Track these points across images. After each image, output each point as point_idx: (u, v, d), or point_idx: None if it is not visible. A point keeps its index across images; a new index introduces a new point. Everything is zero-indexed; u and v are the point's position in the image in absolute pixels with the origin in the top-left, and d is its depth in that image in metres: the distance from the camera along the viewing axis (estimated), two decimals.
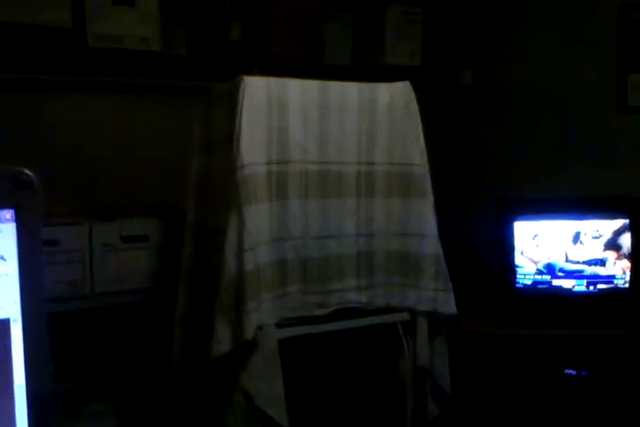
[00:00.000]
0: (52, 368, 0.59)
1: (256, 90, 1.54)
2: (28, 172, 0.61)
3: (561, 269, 1.94)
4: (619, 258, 1.92)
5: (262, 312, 1.50)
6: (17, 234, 0.59)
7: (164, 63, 2.05)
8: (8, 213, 0.59)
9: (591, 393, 1.80)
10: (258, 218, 1.52)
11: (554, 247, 1.94)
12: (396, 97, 1.73)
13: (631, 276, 1.91)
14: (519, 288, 1.96)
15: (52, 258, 1.64)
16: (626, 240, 1.91)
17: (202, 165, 1.74)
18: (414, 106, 1.76)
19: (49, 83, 1.93)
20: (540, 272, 1.95)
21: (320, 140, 1.64)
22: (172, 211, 1.90)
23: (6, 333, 0.58)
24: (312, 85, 1.63)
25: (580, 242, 1.93)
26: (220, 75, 1.93)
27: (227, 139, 1.55)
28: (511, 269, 1.95)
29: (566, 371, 1.84)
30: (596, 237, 1.93)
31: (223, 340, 1.45)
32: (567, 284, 1.94)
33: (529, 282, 1.96)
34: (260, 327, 1.49)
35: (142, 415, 1.80)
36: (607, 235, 1.92)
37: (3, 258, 0.59)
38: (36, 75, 1.88)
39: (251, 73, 1.62)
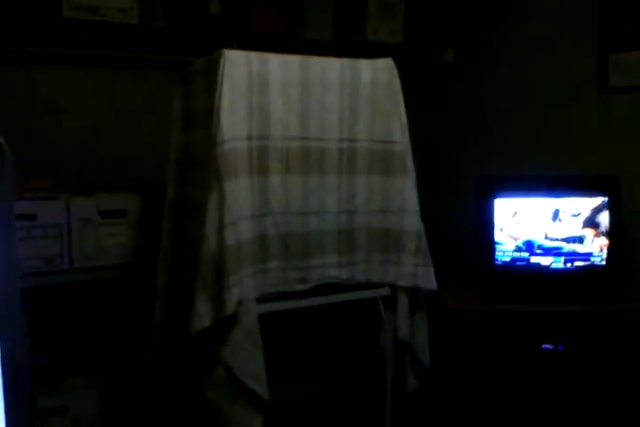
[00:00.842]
0: (25, 329, 0.58)
1: (236, 64, 1.52)
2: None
3: (540, 247, 1.97)
4: (597, 236, 1.95)
5: (243, 287, 1.50)
6: None
7: (142, 36, 2.01)
8: None
9: (567, 368, 1.84)
10: (238, 193, 1.51)
11: (533, 225, 1.96)
12: (378, 74, 1.72)
13: (608, 253, 1.94)
14: (498, 265, 1.98)
15: (29, 233, 1.62)
16: (604, 218, 1.94)
17: (181, 139, 1.72)
18: (397, 83, 1.75)
19: (23, 54, 1.89)
20: (518, 249, 1.97)
21: (301, 116, 1.63)
22: (152, 186, 1.88)
23: None
24: (293, 60, 1.61)
25: (559, 219, 1.96)
26: (199, 49, 1.90)
27: (207, 113, 1.53)
28: (491, 245, 1.97)
29: (543, 346, 1.87)
30: (575, 215, 1.95)
31: (204, 315, 1.45)
32: (545, 261, 1.97)
33: (508, 259, 1.98)
34: (240, 302, 1.49)
35: (123, 390, 1.80)
36: (586, 213, 1.95)
37: None
38: (9, 46, 1.83)
39: (230, 47, 1.59)
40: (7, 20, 1.79)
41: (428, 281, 1.75)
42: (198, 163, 1.60)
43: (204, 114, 1.56)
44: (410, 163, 1.77)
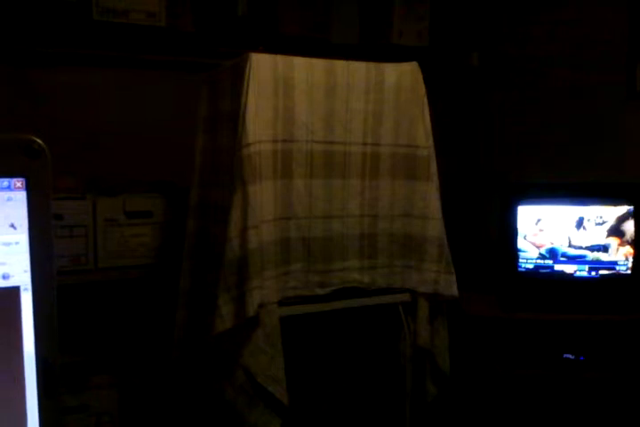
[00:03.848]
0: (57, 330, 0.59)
1: (263, 67, 1.53)
2: (39, 141, 0.60)
3: (563, 254, 1.95)
4: (621, 244, 1.92)
5: (265, 290, 1.51)
6: (27, 203, 0.59)
7: (169, 39, 2.03)
8: (19, 182, 0.59)
9: (589, 378, 1.82)
10: (262, 196, 1.52)
11: (557, 232, 1.94)
12: (403, 77, 1.72)
13: (633, 262, 1.92)
14: (521, 272, 1.96)
15: (56, 232, 1.64)
16: (629, 227, 1.91)
17: (207, 142, 1.73)
18: (421, 87, 1.74)
19: (54, 56, 1.91)
20: (542, 257, 1.96)
21: (326, 119, 1.63)
22: (176, 188, 1.89)
23: (17, 301, 0.58)
24: (319, 64, 1.62)
25: (584, 227, 1.93)
26: (226, 51, 1.91)
27: (232, 116, 1.54)
28: (514, 253, 1.95)
29: (565, 355, 1.85)
30: (600, 224, 1.93)
31: (226, 316, 1.46)
32: (569, 269, 1.95)
33: (531, 266, 1.96)
34: (262, 305, 1.50)
35: (144, 389, 1.82)
36: (610, 221, 1.92)
37: (13, 226, 0.59)
38: (41, 48, 1.86)
39: (256, 50, 1.60)
40: (39, 22, 1.82)
41: (450, 288, 1.74)
42: (223, 165, 1.61)
43: (229, 116, 1.57)
44: (434, 168, 1.76)
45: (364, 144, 1.68)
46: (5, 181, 0.58)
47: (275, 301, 1.56)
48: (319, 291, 1.66)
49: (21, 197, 0.59)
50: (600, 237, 1.93)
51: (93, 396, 1.73)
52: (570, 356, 1.85)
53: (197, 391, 1.64)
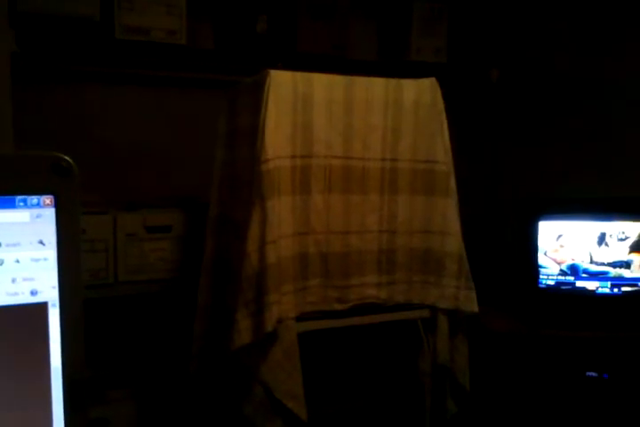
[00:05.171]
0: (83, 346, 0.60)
1: (282, 84, 1.54)
2: (67, 158, 0.61)
3: (585, 271, 1.92)
4: None
5: (283, 305, 1.51)
6: (56, 219, 0.60)
7: (190, 56, 2.07)
8: (48, 199, 0.60)
9: (612, 396, 1.78)
10: (281, 211, 1.53)
11: (578, 248, 1.92)
12: (422, 93, 1.72)
13: None
14: (542, 288, 1.94)
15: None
16: None
17: (226, 157, 1.74)
18: (440, 103, 1.75)
19: (77, 74, 1.95)
20: (563, 273, 1.93)
21: (344, 135, 1.63)
22: (196, 203, 1.91)
23: (44, 316, 0.59)
24: (338, 80, 1.63)
25: (605, 243, 1.91)
26: (245, 68, 1.93)
27: (251, 132, 1.55)
28: (534, 269, 1.93)
29: (588, 373, 1.82)
30: (622, 239, 1.90)
31: (244, 331, 1.46)
32: (591, 285, 1.92)
33: (552, 282, 1.94)
34: (280, 320, 1.50)
35: (161, 404, 1.82)
36: (633, 237, 1.90)
37: (42, 243, 0.60)
38: (64, 65, 1.90)
39: (275, 67, 1.62)
40: (63, 40, 1.86)
41: (470, 304, 1.73)
42: (242, 180, 1.62)
43: (248, 132, 1.58)
44: (452, 183, 1.76)
45: (383, 160, 1.68)
46: (35, 199, 0.59)
47: (293, 316, 1.55)
48: (337, 306, 1.65)
49: (50, 213, 0.60)
50: (622, 253, 1.90)
51: (112, 410, 1.74)
52: (593, 374, 1.82)
53: (216, 406, 1.64)
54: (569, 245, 1.92)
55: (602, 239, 1.91)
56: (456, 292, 1.72)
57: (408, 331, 1.77)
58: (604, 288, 1.92)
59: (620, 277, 1.91)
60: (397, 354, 1.90)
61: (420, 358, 1.76)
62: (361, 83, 1.65)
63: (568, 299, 1.93)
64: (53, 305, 0.60)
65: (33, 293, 0.59)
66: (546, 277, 1.94)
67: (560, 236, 1.93)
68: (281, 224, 1.52)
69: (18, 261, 0.59)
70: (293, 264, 1.58)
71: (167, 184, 2.04)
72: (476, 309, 1.73)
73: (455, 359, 1.77)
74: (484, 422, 1.90)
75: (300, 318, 1.58)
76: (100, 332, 1.84)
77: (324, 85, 1.60)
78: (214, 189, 1.76)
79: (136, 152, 2.06)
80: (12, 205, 0.58)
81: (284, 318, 1.52)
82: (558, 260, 1.94)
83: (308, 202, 1.60)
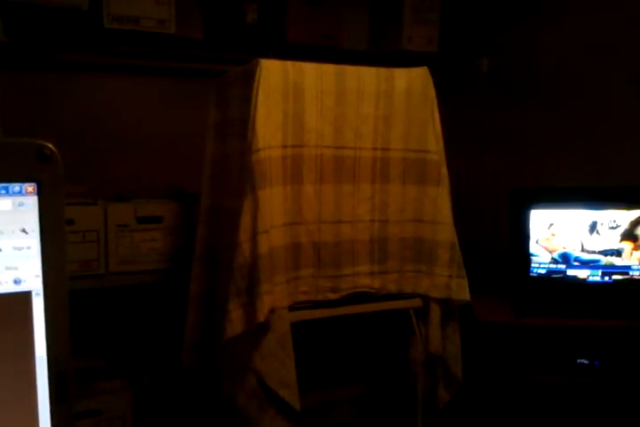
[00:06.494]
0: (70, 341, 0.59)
1: (272, 73, 1.53)
2: (49, 145, 0.61)
3: (576, 259, 1.93)
4: (635, 248, 1.90)
5: (275, 295, 1.51)
6: (39, 208, 0.59)
7: (179, 46, 2.05)
8: (30, 187, 0.59)
9: (603, 383, 1.80)
10: (272, 201, 1.52)
11: (569, 237, 1.93)
12: (413, 83, 1.72)
13: None
14: (533, 277, 1.95)
15: (68, 237, 1.65)
16: None
17: (216, 148, 1.74)
18: (432, 92, 1.74)
19: (65, 63, 1.94)
20: (554, 261, 1.94)
21: (336, 124, 1.63)
22: (187, 194, 1.90)
23: (28, 305, 0.59)
24: (329, 69, 1.62)
25: (597, 232, 1.92)
26: (235, 58, 1.92)
27: (242, 122, 1.54)
28: (526, 257, 1.94)
29: (579, 360, 1.83)
30: (613, 228, 1.91)
31: (236, 321, 1.46)
32: (582, 274, 1.93)
33: (543, 271, 1.95)
34: (272, 310, 1.50)
35: (157, 394, 1.82)
36: (624, 225, 1.90)
37: (25, 231, 0.59)
38: (52, 55, 1.89)
39: (266, 56, 1.60)
40: (52, 30, 1.84)
41: (462, 293, 1.73)
42: (233, 170, 1.62)
43: (239, 122, 1.58)
44: (444, 172, 1.76)
45: (374, 149, 1.68)
46: (17, 186, 0.59)
47: (285, 305, 1.55)
48: (330, 295, 1.65)
49: (33, 201, 0.59)
50: (613, 241, 1.91)
51: (106, 401, 1.74)
52: (584, 361, 1.83)
53: (209, 396, 1.64)
54: (560, 234, 1.93)
55: (593, 228, 1.92)
56: (448, 281, 1.72)
57: (400, 320, 1.77)
58: (595, 276, 1.92)
59: (611, 266, 1.92)
60: (390, 343, 1.91)
61: (413, 348, 1.77)
62: (352, 72, 1.64)
63: (559, 287, 1.94)
64: (37, 294, 0.59)
65: (16, 281, 0.59)
66: (537, 265, 1.95)
67: (551, 224, 1.93)
68: (272, 214, 1.52)
69: (0, 250, 0.58)
70: (285, 254, 1.57)
71: (157, 174, 2.03)
72: (467, 297, 1.73)
73: (447, 348, 1.78)
74: (477, 411, 1.91)
75: (293, 307, 1.58)
76: (91, 323, 1.84)
77: (315, 75, 1.59)
78: (205, 180, 1.75)
79: (125, 142, 2.05)
80: None
81: (277, 307, 1.52)
82: (550, 248, 1.94)
83: (299, 192, 1.59)
